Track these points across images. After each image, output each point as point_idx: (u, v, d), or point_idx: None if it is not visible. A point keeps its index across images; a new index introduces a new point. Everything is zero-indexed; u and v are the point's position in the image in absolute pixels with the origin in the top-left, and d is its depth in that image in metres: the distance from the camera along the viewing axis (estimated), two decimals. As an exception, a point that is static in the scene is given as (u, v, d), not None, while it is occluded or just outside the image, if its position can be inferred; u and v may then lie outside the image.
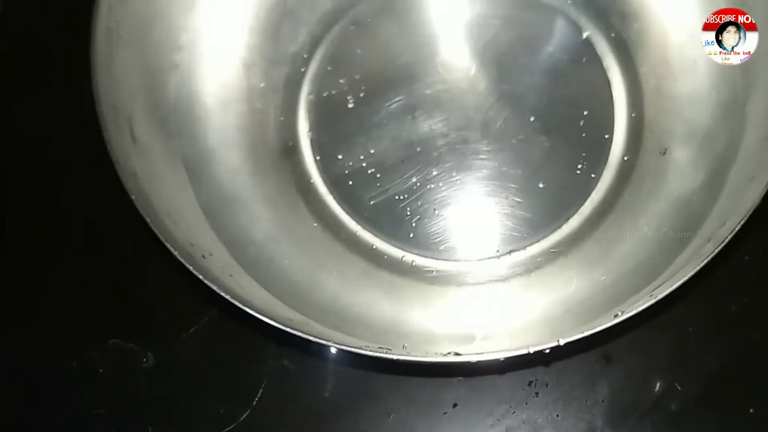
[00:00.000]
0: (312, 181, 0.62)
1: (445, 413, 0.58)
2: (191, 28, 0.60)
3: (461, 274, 0.59)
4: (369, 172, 0.61)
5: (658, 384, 0.57)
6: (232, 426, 0.57)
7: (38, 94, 0.66)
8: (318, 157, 0.62)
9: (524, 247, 0.60)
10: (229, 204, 0.58)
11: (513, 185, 0.61)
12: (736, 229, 0.46)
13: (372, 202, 0.61)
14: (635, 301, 0.48)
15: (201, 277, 0.46)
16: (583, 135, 0.61)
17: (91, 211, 0.63)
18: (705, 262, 0.46)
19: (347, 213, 0.61)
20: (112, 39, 0.52)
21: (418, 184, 0.61)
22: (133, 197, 0.47)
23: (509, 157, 0.61)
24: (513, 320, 0.56)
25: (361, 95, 0.63)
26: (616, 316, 0.46)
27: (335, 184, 0.62)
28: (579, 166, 0.61)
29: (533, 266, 0.59)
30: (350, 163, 0.62)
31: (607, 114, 0.62)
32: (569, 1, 0.64)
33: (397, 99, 0.63)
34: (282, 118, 0.63)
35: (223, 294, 0.46)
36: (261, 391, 0.58)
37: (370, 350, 0.46)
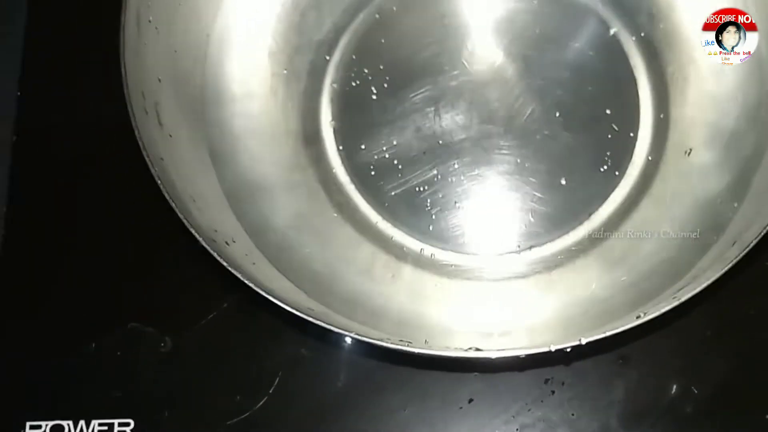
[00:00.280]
0: (334, 170, 0.62)
1: (461, 408, 0.57)
2: (219, 16, 0.60)
3: (480, 269, 0.59)
4: (391, 163, 0.61)
5: (674, 387, 0.57)
6: (247, 414, 0.57)
7: (69, 83, 0.66)
8: (340, 147, 0.62)
9: (544, 244, 0.59)
10: (251, 191, 0.58)
11: (535, 181, 0.60)
12: (762, 233, 0.46)
13: (393, 193, 0.61)
14: (658, 302, 0.48)
15: (225, 264, 0.46)
16: (608, 133, 0.61)
17: (115, 195, 0.63)
18: (730, 265, 0.46)
19: (368, 203, 0.61)
20: (141, 25, 0.52)
21: (439, 176, 0.61)
22: (159, 182, 0.47)
23: (532, 152, 0.61)
24: (531, 318, 0.56)
25: (385, 86, 0.63)
26: (638, 317, 0.46)
27: (357, 173, 0.62)
28: (603, 164, 0.61)
29: (553, 264, 0.59)
30: (372, 154, 0.62)
31: (632, 113, 0.62)
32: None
33: (421, 91, 0.62)
34: (305, 107, 0.63)
35: (246, 282, 0.46)
36: (277, 379, 0.58)
37: (391, 342, 0.46)
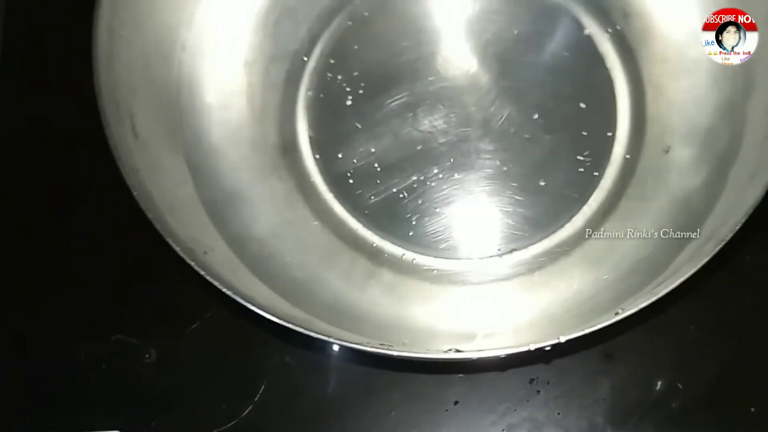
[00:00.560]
0: (312, 179, 0.62)
1: (447, 410, 0.58)
2: (193, 26, 0.60)
3: (462, 273, 0.59)
4: (369, 170, 0.61)
5: (659, 383, 0.57)
6: (234, 422, 0.57)
7: (40, 91, 0.66)
8: (317, 156, 0.62)
9: (526, 246, 0.59)
10: (230, 201, 0.58)
11: (514, 183, 0.60)
12: (737, 228, 0.46)
13: (372, 200, 0.61)
14: (636, 299, 0.48)
15: (203, 273, 0.46)
16: (586, 133, 0.61)
17: (94, 207, 0.63)
18: (706, 261, 0.46)
19: (348, 211, 0.61)
20: (113, 37, 0.52)
21: (418, 182, 0.61)
22: (135, 193, 0.48)
23: (511, 155, 0.61)
24: (515, 319, 0.57)
25: (361, 92, 0.63)
26: (617, 313, 0.46)
27: (335, 182, 0.62)
28: (581, 165, 0.61)
29: (535, 266, 0.59)
30: (350, 161, 0.62)
31: (609, 112, 0.62)
32: (572, -1, 0.64)
33: (398, 96, 0.62)
34: (282, 116, 0.63)
35: (225, 290, 0.46)
36: (263, 387, 0.58)
37: (371, 346, 0.46)
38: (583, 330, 0.45)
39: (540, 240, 0.60)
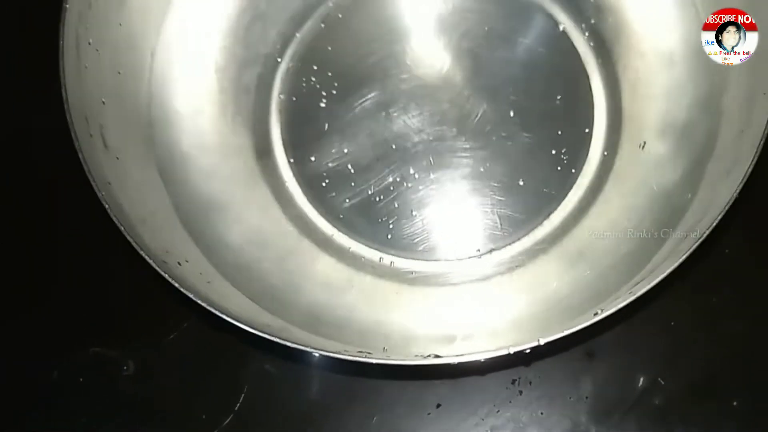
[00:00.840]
0: (286, 183, 0.61)
1: (429, 414, 0.57)
2: (162, 34, 0.59)
3: (442, 275, 0.59)
4: (344, 172, 0.61)
5: (641, 379, 0.58)
6: (214, 432, 0.57)
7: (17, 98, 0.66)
8: (291, 159, 0.62)
9: (505, 246, 0.59)
10: (205, 209, 0.58)
11: (492, 182, 0.60)
12: (714, 224, 0.46)
13: (347, 204, 0.60)
14: (615, 298, 0.47)
15: (177, 285, 0.46)
16: (563, 130, 0.61)
17: (68, 219, 0.62)
18: (683, 258, 0.46)
19: (322, 216, 0.61)
20: (80, 48, 0.52)
21: (394, 183, 0.60)
22: (106, 206, 0.47)
23: (488, 153, 0.61)
24: (494, 319, 0.56)
25: (334, 93, 0.62)
26: (596, 314, 0.46)
27: (309, 185, 0.61)
28: (559, 163, 0.60)
29: (515, 264, 0.59)
30: (324, 163, 0.61)
31: (586, 108, 0.62)
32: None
33: (370, 96, 0.62)
34: (255, 120, 0.62)
35: (199, 302, 0.45)
36: (243, 396, 0.58)
37: (350, 354, 0.46)
38: (562, 331, 0.45)
39: (519, 239, 0.59)
